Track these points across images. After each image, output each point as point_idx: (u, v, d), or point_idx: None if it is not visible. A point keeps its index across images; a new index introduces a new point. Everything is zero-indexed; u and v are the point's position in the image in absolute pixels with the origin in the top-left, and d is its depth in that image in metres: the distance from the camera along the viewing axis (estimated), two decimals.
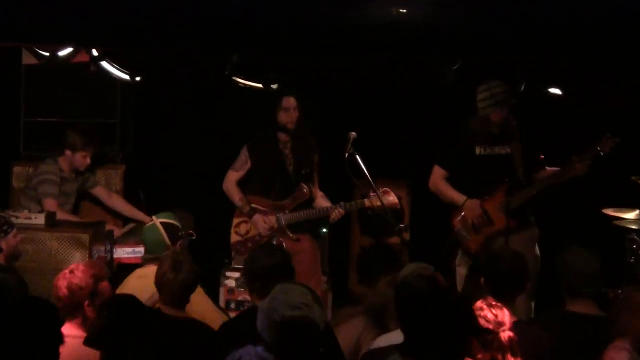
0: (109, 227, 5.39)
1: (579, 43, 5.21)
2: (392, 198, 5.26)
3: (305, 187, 5.51)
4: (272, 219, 5.51)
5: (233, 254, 5.62)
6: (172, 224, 4.80)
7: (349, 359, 3.84)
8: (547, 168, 5.27)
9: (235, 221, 5.62)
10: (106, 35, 5.51)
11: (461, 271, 5.35)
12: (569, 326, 3.81)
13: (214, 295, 4.96)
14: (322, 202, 5.59)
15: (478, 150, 5.26)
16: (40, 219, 4.86)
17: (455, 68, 5.79)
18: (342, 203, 5.44)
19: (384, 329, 3.82)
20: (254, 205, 5.55)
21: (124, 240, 5.48)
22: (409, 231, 6.15)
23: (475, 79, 5.35)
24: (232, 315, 4.83)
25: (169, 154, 6.55)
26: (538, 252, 5.24)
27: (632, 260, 5.38)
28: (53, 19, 5.01)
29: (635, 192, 5.38)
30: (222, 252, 5.72)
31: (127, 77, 5.92)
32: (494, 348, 3.27)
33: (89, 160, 5.67)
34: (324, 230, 5.92)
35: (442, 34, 5.14)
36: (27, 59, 6.07)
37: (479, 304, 3.38)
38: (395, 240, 5.65)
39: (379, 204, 5.16)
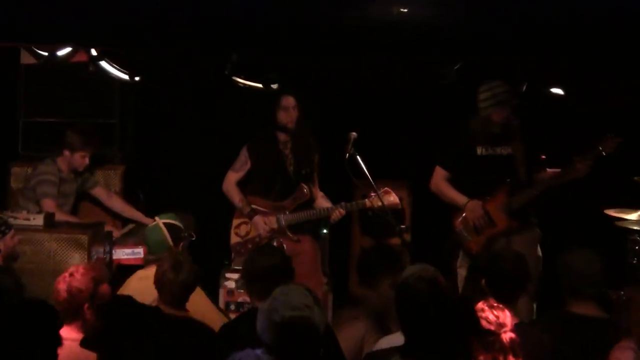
0: (107, 227, 5.37)
1: (579, 43, 5.21)
2: (392, 198, 5.25)
3: (306, 187, 5.50)
4: (272, 220, 5.49)
5: (233, 255, 5.60)
6: (175, 225, 4.80)
7: None
8: (548, 169, 5.26)
9: (235, 222, 5.60)
10: (106, 35, 5.51)
11: (462, 272, 5.34)
12: (571, 327, 3.81)
13: (213, 297, 4.95)
14: (323, 202, 5.57)
15: (479, 151, 5.25)
16: (38, 220, 4.83)
17: (456, 68, 5.78)
18: (343, 203, 5.42)
19: (386, 331, 3.81)
20: (254, 206, 5.54)
21: (123, 241, 5.46)
22: (410, 232, 6.13)
23: (476, 79, 5.35)
24: (232, 316, 4.82)
25: (168, 154, 6.54)
26: (540, 252, 5.24)
27: (634, 261, 5.35)
28: (53, 18, 5.01)
29: (637, 192, 5.36)
30: (221, 253, 5.70)
31: (126, 77, 5.91)
32: (495, 349, 3.26)
33: (87, 160, 5.65)
34: (324, 230, 5.91)
35: (442, 34, 5.14)
36: (26, 59, 6.06)
37: (480, 305, 3.37)
38: (395, 240, 5.63)
39: (379, 203, 5.14)
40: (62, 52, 5.86)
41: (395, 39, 5.18)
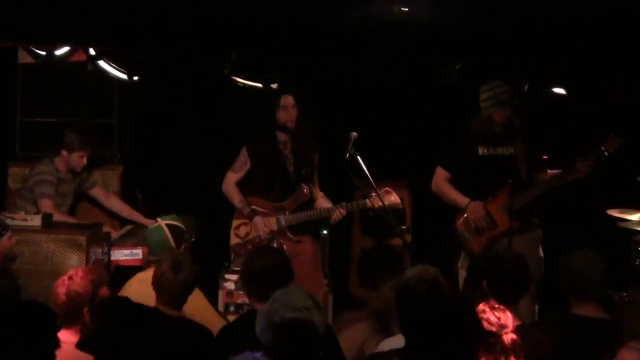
0: (106, 228, 5.35)
1: (579, 43, 5.20)
2: (393, 197, 5.23)
3: (306, 187, 5.48)
4: (272, 221, 5.47)
5: (232, 256, 5.58)
6: (177, 226, 4.79)
7: None
8: (548, 170, 5.24)
9: (235, 223, 5.58)
10: (106, 35, 5.49)
11: (463, 273, 5.31)
12: (573, 329, 3.79)
13: (212, 298, 4.93)
14: (323, 202, 5.55)
15: (481, 151, 5.24)
16: (36, 221, 4.82)
17: (457, 67, 5.77)
18: (344, 203, 5.40)
19: (388, 333, 3.79)
20: (254, 207, 5.51)
21: (122, 242, 5.43)
22: (411, 232, 6.12)
23: (477, 78, 5.34)
24: (231, 317, 4.80)
25: (167, 154, 6.52)
26: (542, 253, 5.23)
27: (637, 262, 5.34)
28: (52, 18, 5.00)
29: None
30: (221, 254, 5.68)
31: (124, 77, 5.89)
32: (497, 350, 3.24)
33: (85, 161, 5.62)
34: (324, 231, 5.89)
35: (442, 34, 5.13)
36: (23, 58, 6.03)
37: (481, 306, 3.36)
38: (396, 241, 5.62)
39: (380, 203, 5.12)
40: (60, 52, 5.84)
41: (395, 38, 5.17)
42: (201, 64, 5.96)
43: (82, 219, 5.69)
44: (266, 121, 5.51)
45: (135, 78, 5.89)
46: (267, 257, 3.99)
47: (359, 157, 4.86)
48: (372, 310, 4.05)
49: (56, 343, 2.98)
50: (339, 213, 5.38)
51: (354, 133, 4.92)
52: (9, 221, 4.60)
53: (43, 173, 5.53)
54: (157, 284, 3.90)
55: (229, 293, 5.48)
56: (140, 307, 3.47)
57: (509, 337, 3.27)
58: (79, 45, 5.79)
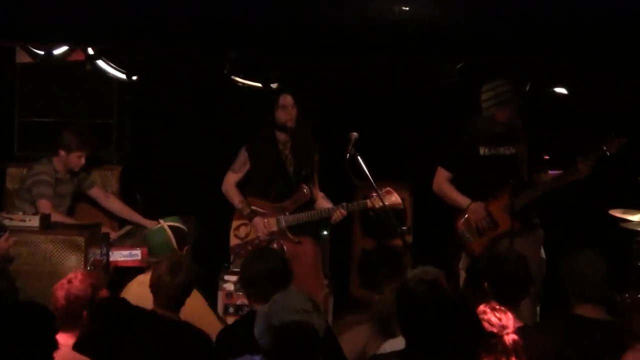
0: (104, 229, 5.33)
1: (580, 43, 5.19)
2: (394, 198, 5.22)
3: (306, 187, 5.46)
4: (272, 221, 5.46)
5: (232, 257, 5.56)
6: (180, 228, 4.79)
7: None
8: (549, 171, 5.23)
9: (235, 224, 5.57)
10: (105, 35, 5.48)
11: (464, 274, 5.30)
12: (575, 330, 3.77)
13: (212, 299, 4.91)
14: (323, 202, 5.54)
15: (482, 151, 5.22)
16: (34, 221, 4.81)
17: (458, 67, 5.76)
18: (344, 203, 5.39)
19: (390, 335, 3.77)
20: (254, 207, 5.50)
21: (120, 243, 5.41)
22: (412, 233, 6.11)
23: (477, 79, 5.33)
24: (231, 319, 4.79)
25: (166, 155, 6.51)
26: (543, 254, 5.21)
27: (639, 263, 5.33)
28: (52, 18, 4.99)
29: None
30: (221, 255, 5.66)
31: (123, 76, 5.87)
32: (498, 351, 3.24)
33: (83, 161, 5.61)
34: (325, 232, 5.88)
35: (442, 34, 5.12)
36: (21, 58, 6.01)
37: (482, 307, 3.35)
38: (397, 242, 5.61)
39: (381, 204, 5.11)
40: (58, 51, 5.82)
41: (395, 38, 5.16)
42: (201, 63, 5.95)
43: (81, 219, 5.68)
44: (266, 121, 5.50)
45: (135, 78, 5.88)
46: (267, 258, 3.98)
47: (359, 157, 4.85)
48: (373, 313, 4.03)
49: (54, 345, 2.97)
50: (339, 213, 5.36)
51: (355, 133, 4.90)
52: (6, 222, 4.59)
53: (41, 173, 5.52)
54: (154, 286, 3.88)
55: (229, 294, 5.46)
56: (136, 310, 3.47)
57: (510, 338, 3.26)
58: (78, 44, 5.77)
